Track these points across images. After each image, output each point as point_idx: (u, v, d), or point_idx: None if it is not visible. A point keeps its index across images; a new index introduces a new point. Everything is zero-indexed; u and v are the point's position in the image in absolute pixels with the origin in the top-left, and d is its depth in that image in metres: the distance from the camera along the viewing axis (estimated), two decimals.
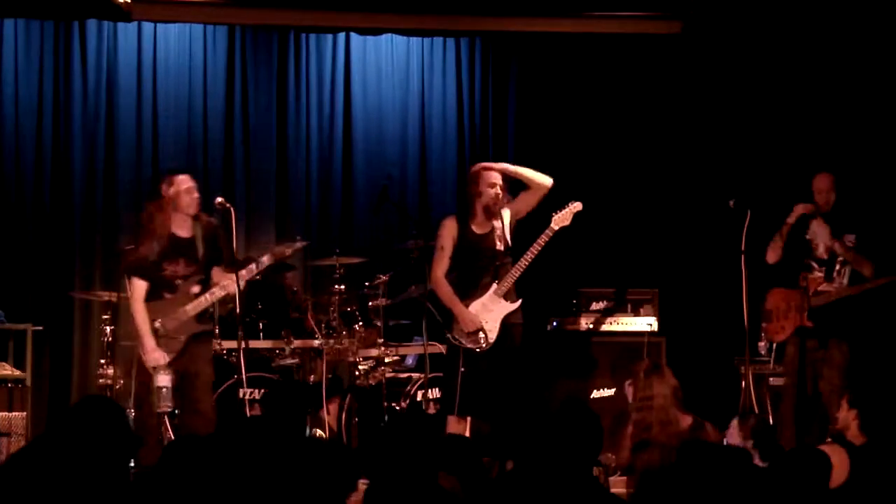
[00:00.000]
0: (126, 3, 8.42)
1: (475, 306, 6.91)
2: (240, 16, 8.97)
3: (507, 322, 6.91)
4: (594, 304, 8.42)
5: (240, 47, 9.12)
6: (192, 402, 6.56)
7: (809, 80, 8.85)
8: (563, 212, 6.98)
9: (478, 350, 6.84)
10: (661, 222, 9.18)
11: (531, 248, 6.90)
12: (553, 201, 9.11)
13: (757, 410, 7.17)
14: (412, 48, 9.37)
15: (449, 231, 6.98)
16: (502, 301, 6.94)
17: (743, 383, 7.37)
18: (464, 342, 6.87)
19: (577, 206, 6.98)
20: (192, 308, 6.60)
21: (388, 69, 9.32)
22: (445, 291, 6.92)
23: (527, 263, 6.91)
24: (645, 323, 8.31)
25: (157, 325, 6.53)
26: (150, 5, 8.67)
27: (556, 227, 6.94)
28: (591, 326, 8.37)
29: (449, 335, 6.92)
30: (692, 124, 9.19)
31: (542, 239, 6.92)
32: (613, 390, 8.17)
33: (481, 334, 6.87)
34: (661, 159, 9.22)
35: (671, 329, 8.41)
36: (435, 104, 9.37)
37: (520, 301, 6.95)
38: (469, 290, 6.95)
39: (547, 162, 9.29)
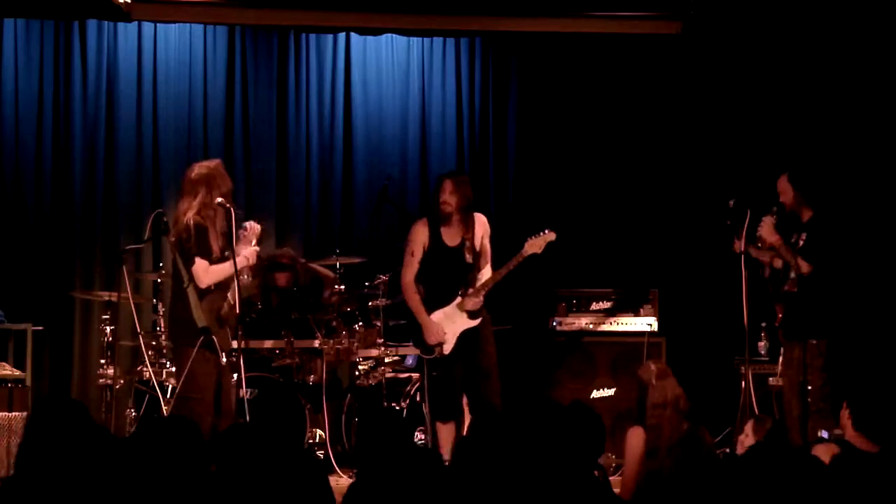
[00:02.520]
0: (126, 3, 8.42)
1: (437, 315, 6.91)
2: (240, 16, 8.96)
3: (466, 332, 6.93)
4: (594, 304, 8.43)
5: (240, 47, 9.12)
6: (226, 406, 6.47)
7: (809, 80, 8.86)
8: (537, 239, 7.00)
9: (431, 358, 6.87)
10: (661, 222, 9.18)
11: (500, 270, 6.94)
12: (553, 202, 9.17)
13: (757, 411, 7.18)
14: (412, 48, 9.37)
15: (420, 236, 6.95)
16: (465, 315, 6.95)
17: (743, 383, 7.37)
18: (421, 351, 6.89)
19: (551, 235, 7.02)
20: (232, 295, 6.52)
21: (388, 69, 9.32)
22: (413, 299, 6.92)
23: (493, 284, 6.95)
24: (645, 323, 8.31)
25: (222, 312, 6.48)
26: (150, 5, 8.67)
27: (527, 253, 6.97)
28: (591, 326, 8.38)
29: (412, 341, 6.95)
30: (692, 124, 9.19)
31: (513, 262, 6.96)
32: (613, 390, 8.18)
33: (437, 346, 6.88)
34: (661, 159, 9.22)
35: (671, 329, 8.41)
36: (435, 104, 9.37)
37: (480, 319, 6.96)
38: (441, 301, 6.94)
39: (547, 162, 9.35)
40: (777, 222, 6.96)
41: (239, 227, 6.56)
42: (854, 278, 7.61)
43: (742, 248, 7.05)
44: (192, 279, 6.45)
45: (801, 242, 6.97)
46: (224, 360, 6.45)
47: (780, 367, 7.29)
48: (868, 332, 8.31)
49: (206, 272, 6.41)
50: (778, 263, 7.10)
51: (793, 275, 6.99)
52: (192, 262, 6.40)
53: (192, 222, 6.41)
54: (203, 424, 6.24)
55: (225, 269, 6.46)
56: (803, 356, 6.84)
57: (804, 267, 6.87)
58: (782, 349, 7.23)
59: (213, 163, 6.64)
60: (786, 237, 7.01)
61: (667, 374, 5.76)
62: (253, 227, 6.62)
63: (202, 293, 6.45)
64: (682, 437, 5.50)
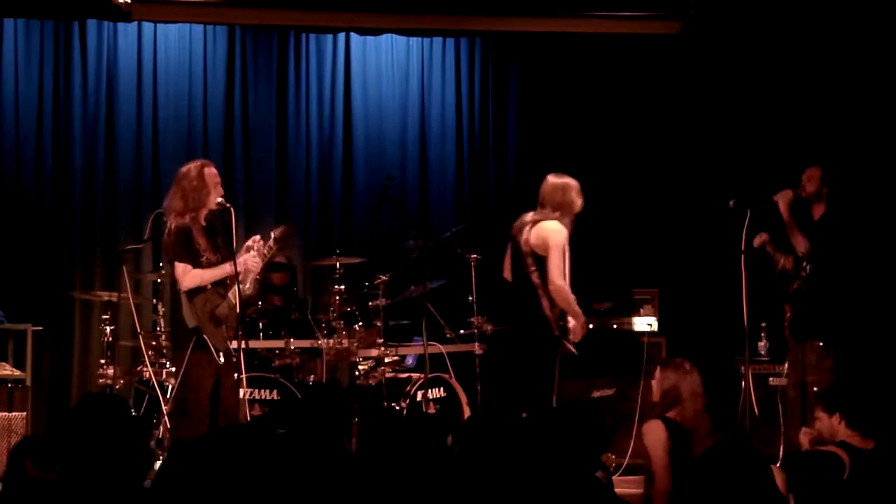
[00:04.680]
0: (126, 3, 8.41)
1: None
2: (240, 16, 8.96)
3: None
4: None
5: (240, 47, 9.12)
6: (225, 406, 6.46)
7: (809, 80, 8.86)
8: None
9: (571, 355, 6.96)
10: (661, 222, 9.18)
11: None
12: None
13: (757, 411, 7.19)
14: (412, 48, 9.37)
15: (567, 238, 6.95)
16: None
17: (743, 383, 7.37)
18: (572, 348, 6.95)
19: None
20: (233, 294, 6.52)
21: (388, 69, 9.32)
22: (572, 297, 6.91)
23: None
24: (645, 323, 8.31)
25: (218, 311, 6.46)
26: (150, 5, 8.66)
27: None
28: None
29: (563, 339, 6.94)
30: (692, 124, 9.19)
31: None
32: (613, 390, 8.17)
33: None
34: (661, 159, 9.23)
35: (671, 329, 8.41)
36: (435, 104, 9.37)
37: None
38: None
39: (547, 162, 9.33)
40: (793, 201, 7.02)
41: (241, 224, 6.57)
42: (864, 279, 7.61)
43: (760, 243, 7.12)
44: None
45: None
46: (222, 359, 6.44)
47: (786, 368, 7.28)
48: (875, 333, 8.28)
49: (184, 275, 6.44)
50: (788, 264, 7.11)
51: (803, 275, 7.00)
52: (173, 267, 6.45)
53: (173, 226, 6.44)
54: (200, 425, 6.26)
55: (214, 272, 6.47)
56: (813, 357, 6.86)
57: (801, 246, 6.91)
58: (790, 350, 7.22)
59: (194, 165, 6.62)
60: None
61: (695, 370, 5.78)
62: (255, 241, 6.63)
63: (192, 293, 6.46)
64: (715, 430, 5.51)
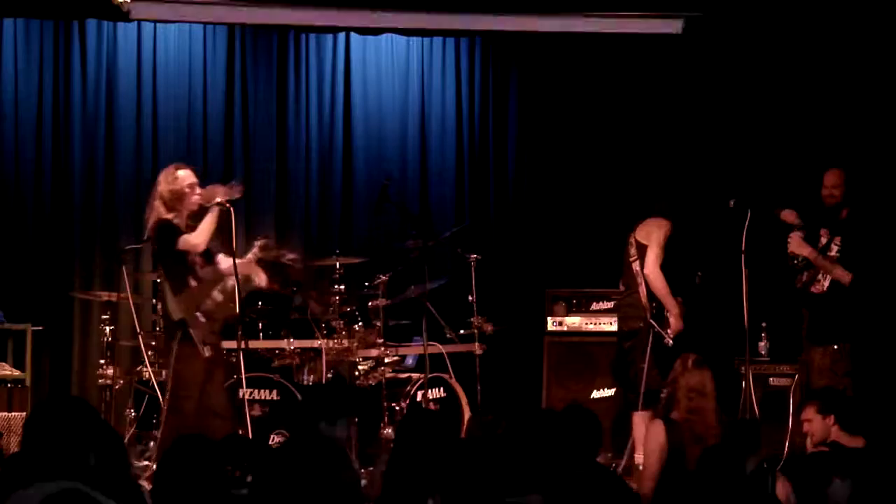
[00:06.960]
0: (125, 2, 8.40)
1: None
2: (240, 16, 8.93)
3: None
4: (594, 304, 8.44)
5: (240, 47, 9.12)
6: (214, 405, 6.46)
7: (811, 80, 8.85)
8: None
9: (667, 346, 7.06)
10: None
11: None
12: (553, 201, 9.18)
13: (757, 411, 7.18)
14: (412, 48, 9.37)
15: (669, 232, 7.22)
16: None
17: (743, 383, 7.36)
18: (668, 337, 7.05)
19: None
20: (218, 294, 6.58)
21: (388, 69, 9.32)
22: (665, 286, 7.17)
23: None
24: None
25: (204, 307, 6.47)
26: (150, 5, 8.64)
27: None
28: (591, 326, 8.39)
29: (659, 329, 7.08)
30: (693, 124, 9.18)
31: None
32: (613, 390, 8.16)
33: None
34: (661, 159, 9.21)
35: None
36: (435, 104, 9.37)
37: None
38: None
39: (547, 162, 9.35)
40: (805, 235, 6.99)
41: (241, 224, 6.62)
42: (887, 282, 7.60)
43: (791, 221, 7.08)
44: (168, 277, 6.52)
45: (834, 247, 6.96)
46: (207, 353, 6.43)
47: (798, 369, 7.25)
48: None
49: (192, 238, 6.43)
50: (806, 251, 7.05)
51: (820, 277, 6.97)
52: (179, 248, 6.42)
53: (156, 225, 6.47)
54: (190, 424, 6.24)
55: (207, 221, 6.46)
56: (828, 359, 6.84)
57: (846, 277, 6.87)
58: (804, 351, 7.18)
59: (167, 170, 6.69)
60: (813, 240, 7.01)
61: (703, 364, 5.76)
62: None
63: (178, 288, 6.45)
64: (724, 434, 5.48)
